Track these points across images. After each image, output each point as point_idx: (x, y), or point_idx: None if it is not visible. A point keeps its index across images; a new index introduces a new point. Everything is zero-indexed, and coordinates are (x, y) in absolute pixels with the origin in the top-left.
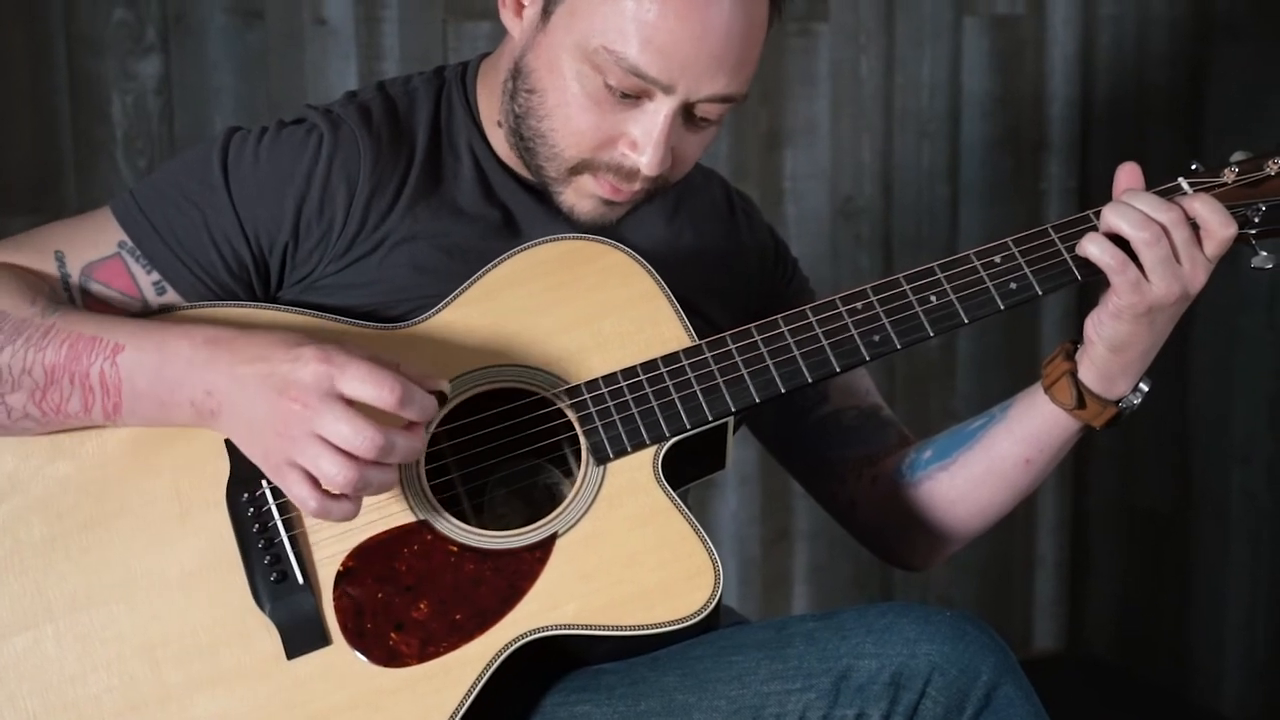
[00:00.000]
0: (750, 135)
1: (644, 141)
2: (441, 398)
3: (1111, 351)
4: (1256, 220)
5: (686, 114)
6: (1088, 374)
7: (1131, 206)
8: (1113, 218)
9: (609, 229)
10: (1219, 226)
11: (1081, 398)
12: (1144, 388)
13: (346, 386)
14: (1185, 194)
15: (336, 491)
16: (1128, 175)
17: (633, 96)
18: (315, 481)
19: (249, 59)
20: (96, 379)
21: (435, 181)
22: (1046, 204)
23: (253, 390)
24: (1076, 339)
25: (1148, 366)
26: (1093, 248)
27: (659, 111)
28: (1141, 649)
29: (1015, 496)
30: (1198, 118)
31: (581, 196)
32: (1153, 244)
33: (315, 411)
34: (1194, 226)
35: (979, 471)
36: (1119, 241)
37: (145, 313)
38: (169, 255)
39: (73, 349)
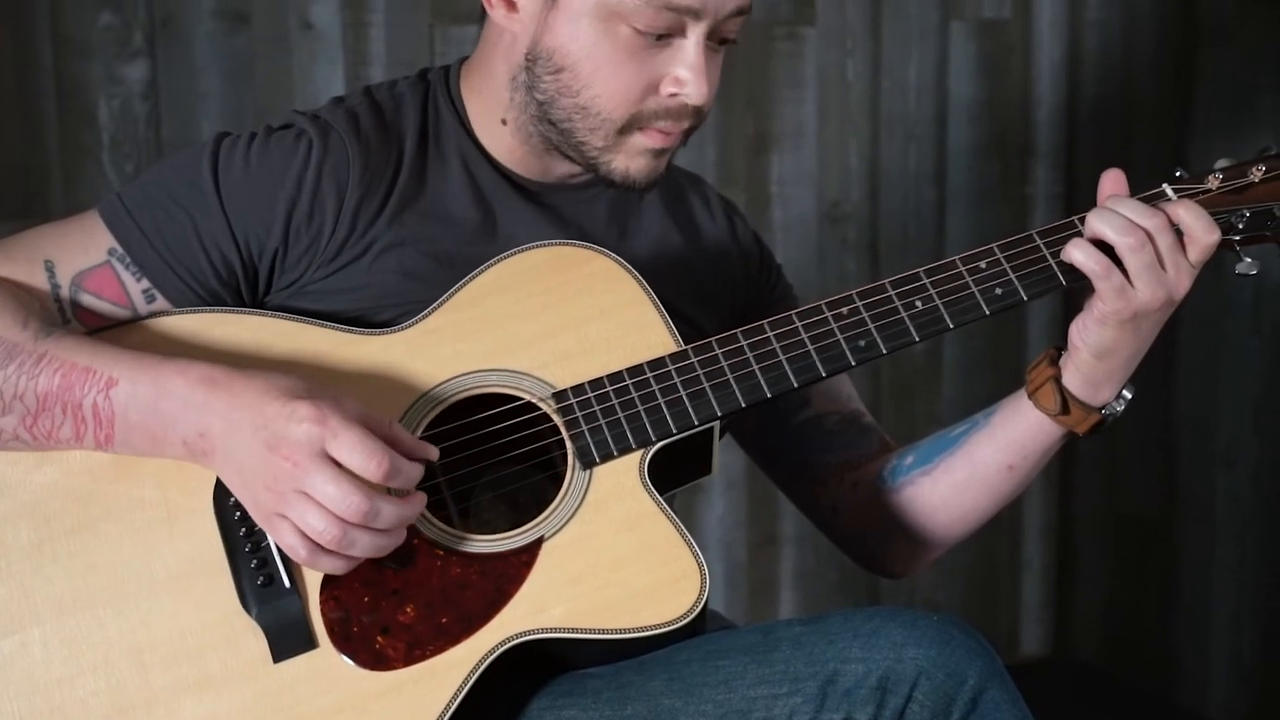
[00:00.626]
0: (737, 139)
1: (688, 74)
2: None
3: (1096, 358)
4: (1241, 226)
5: (710, 38)
6: (1072, 380)
7: (1116, 212)
8: (1097, 223)
9: (655, 177)
10: (1202, 232)
11: (1065, 404)
12: (1127, 395)
13: (336, 451)
14: (1169, 200)
15: (321, 543)
16: (1112, 181)
17: (664, 36)
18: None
19: (236, 63)
20: (89, 410)
21: (423, 186)
22: (1033, 209)
23: (245, 439)
24: (1061, 344)
25: (1132, 373)
26: (1077, 253)
27: (692, 41)
28: (1128, 653)
29: (997, 503)
30: (1184, 122)
31: (633, 156)
32: (1137, 250)
33: (305, 471)
34: (1178, 232)
35: (961, 477)
36: (1104, 248)
37: (135, 318)
38: (159, 261)
39: (65, 378)
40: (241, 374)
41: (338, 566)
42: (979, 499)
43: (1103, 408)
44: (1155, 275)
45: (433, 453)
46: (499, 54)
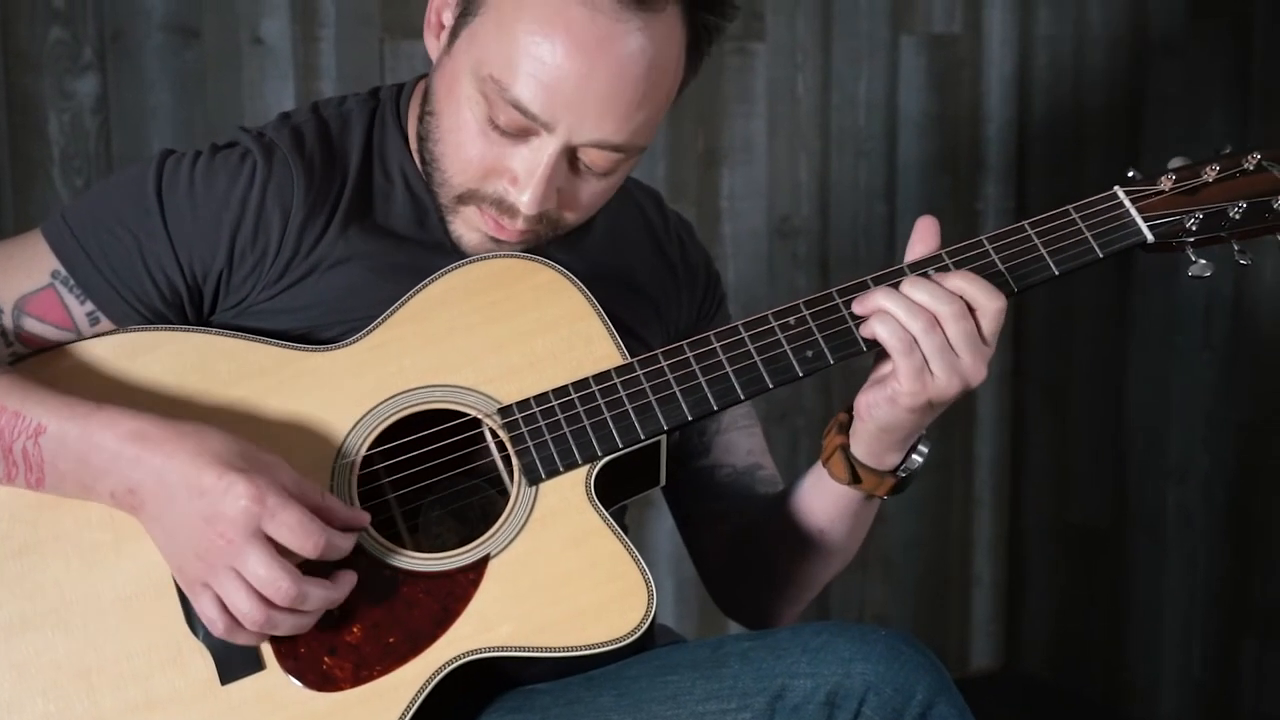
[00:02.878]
0: (687, 154)
1: (524, 179)
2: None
3: (882, 431)
4: (1194, 228)
5: (571, 159)
6: (859, 449)
7: (902, 296)
8: (887, 303)
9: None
10: (987, 300)
11: (856, 472)
12: (924, 449)
13: (273, 531)
14: (950, 270)
15: (242, 623)
16: (925, 230)
17: (513, 135)
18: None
19: (186, 78)
20: (19, 454)
21: (368, 204)
22: (983, 224)
23: (180, 507)
24: (850, 404)
25: (917, 438)
26: (882, 329)
27: (542, 149)
28: (1078, 667)
29: (822, 566)
30: (1134, 137)
31: (469, 228)
32: (928, 331)
33: (238, 549)
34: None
35: (785, 543)
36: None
37: (78, 338)
38: (103, 284)
39: None
40: (173, 430)
41: (251, 642)
42: (798, 563)
43: (897, 469)
44: (948, 360)
45: (364, 519)
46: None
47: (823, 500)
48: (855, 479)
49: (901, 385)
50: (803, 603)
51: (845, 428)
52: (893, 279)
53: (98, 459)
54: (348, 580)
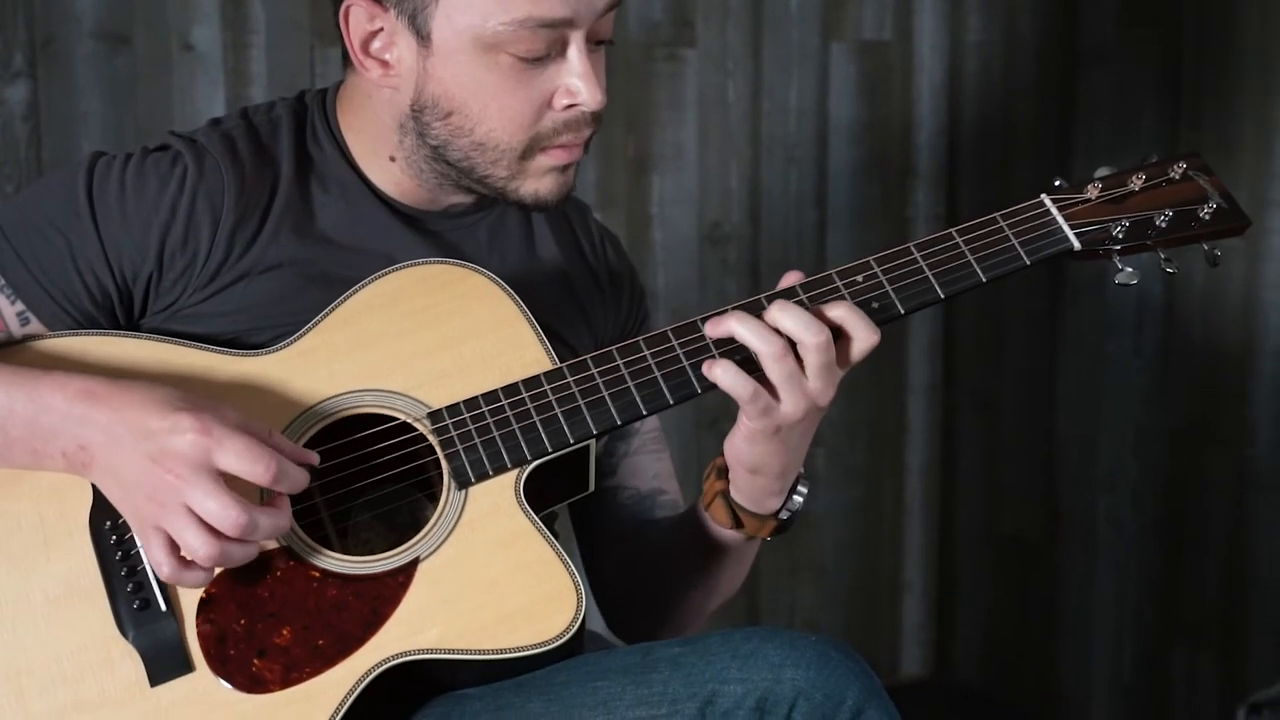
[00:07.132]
0: (618, 161)
1: (579, 83)
2: (312, 470)
3: (751, 473)
4: (1120, 236)
5: (588, 40)
6: (737, 494)
7: (759, 320)
8: (742, 330)
9: (570, 193)
10: (864, 333)
11: (737, 516)
12: (802, 489)
13: (222, 460)
14: (828, 300)
15: (194, 560)
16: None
17: (543, 57)
18: (175, 548)
19: (117, 84)
20: None
21: (301, 210)
22: (913, 230)
23: (128, 451)
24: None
25: (791, 483)
26: (723, 374)
27: (574, 49)
28: (1008, 674)
29: (706, 597)
30: (1065, 144)
31: (540, 178)
32: (780, 359)
33: (187, 484)
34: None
35: (672, 574)
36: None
37: (9, 341)
38: (33, 284)
39: None
40: (120, 386)
41: (199, 581)
42: (682, 594)
43: (778, 512)
44: (797, 385)
45: (313, 458)
46: (380, 105)
47: (706, 539)
48: (737, 523)
49: (752, 422)
50: (686, 630)
51: (724, 473)
52: (823, 285)
53: (47, 420)
54: (286, 508)
